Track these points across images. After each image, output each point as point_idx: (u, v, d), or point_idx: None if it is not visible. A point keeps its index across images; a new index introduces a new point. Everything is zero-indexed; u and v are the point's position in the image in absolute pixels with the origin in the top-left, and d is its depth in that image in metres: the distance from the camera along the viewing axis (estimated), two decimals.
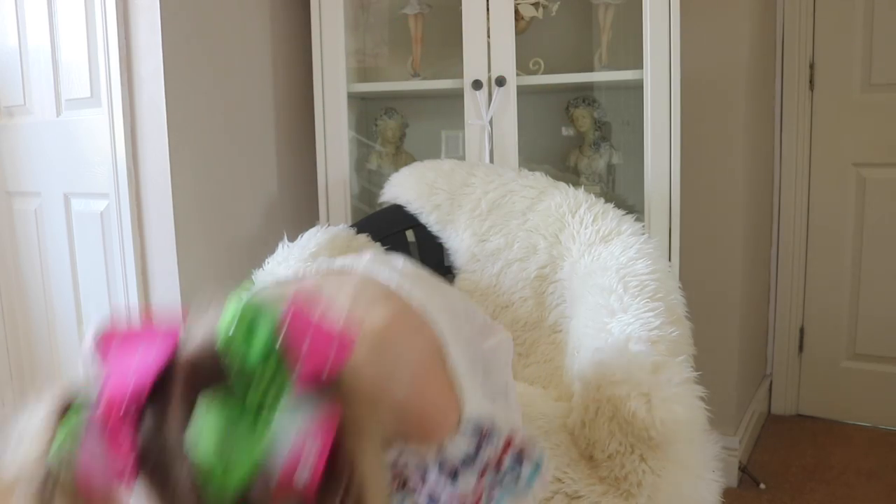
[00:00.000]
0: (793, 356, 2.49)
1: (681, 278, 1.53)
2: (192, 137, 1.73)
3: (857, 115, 2.31)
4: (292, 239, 1.48)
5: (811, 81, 2.34)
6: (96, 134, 1.82)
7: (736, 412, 2.06)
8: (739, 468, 2.04)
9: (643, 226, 1.42)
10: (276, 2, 1.95)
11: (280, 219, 1.95)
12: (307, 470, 0.54)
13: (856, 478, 2.05)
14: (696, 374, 1.03)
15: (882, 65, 2.25)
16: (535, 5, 1.79)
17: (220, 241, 1.82)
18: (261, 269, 1.41)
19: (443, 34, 1.93)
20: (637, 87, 1.62)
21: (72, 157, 1.93)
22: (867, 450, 2.22)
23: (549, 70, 1.83)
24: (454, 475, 0.79)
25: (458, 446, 0.79)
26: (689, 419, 0.97)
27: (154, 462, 0.56)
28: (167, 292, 1.75)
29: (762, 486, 2.00)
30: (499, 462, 0.80)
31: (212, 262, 1.79)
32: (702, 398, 1.01)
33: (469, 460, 0.79)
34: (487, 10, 1.70)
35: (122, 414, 0.56)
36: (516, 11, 1.73)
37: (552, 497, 1.01)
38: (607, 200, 1.47)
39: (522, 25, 1.81)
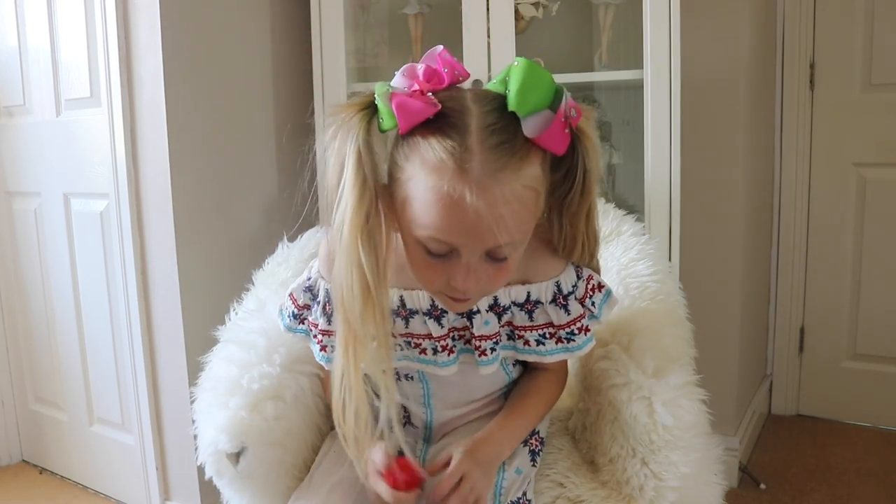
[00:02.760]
0: (793, 356, 2.49)
1: (681, 279, 1.53)
2: (192, 137, 1.73)
3: (857, 115, 2.30)
4: (292, 239, 1.47)
5: (811, 81, 2.34)
6: (96, 134, 1.82)
7: (736, 412, 2.06)
8: (740, 468, 2.04)
9: (643, 226, 1.42)
10: (275, 2, 1.94)
11: (280, 219, 1.95)
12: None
13: (856, 478, 2.05)
14: (697, 376, 1.03)
15: (882, 65, 2.24)
16: (535, 5, 1.79)
17: (220, 241, 1.82)
18: (261, 269, 1.41)
19: (443, 34, 1.92)
20: (637, 87, 1.62)
21: (72, 157, 1.93)
22: (867, 450, 2.22)
23: (549, 70, 1.80)
24: (566, 306, 0.94)
25: (568, 279, 0.95)
26: (690, 423, 0.97)
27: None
28: (167, 292, 1.75)
29: (762, 486, 2.00)
30: (585, 293, 0.97)
31: (212, 262, 1.79)
32: (703, 401, 1.00)
33: (572, 291, 0.96)
34: (487, 10, 1.69)
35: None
36: (516, 11, 1.73)
37: (554, 502, 1.00)
38: (607, 200, 1.46)
39: (522, 25, 1.80)
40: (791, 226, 2.43)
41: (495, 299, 0.95)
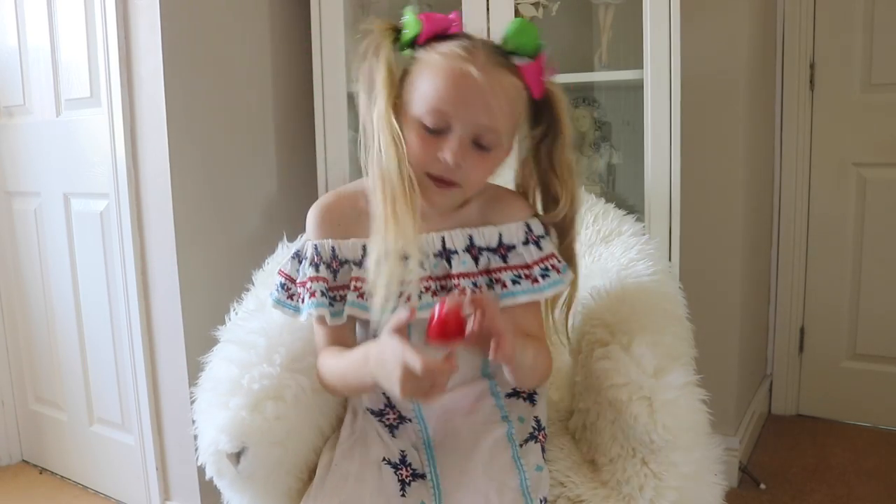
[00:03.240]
0: (793, 356, 2.49)
1: (681, 279, 1.53)
2: (192, 137, 1.73)
3: (857, 115, 2.30)
4: (292, 239, 1.47)
5: (811, 81, 2.34)
6: (96, 134, 1.82)
7: (736, 412, 2.06)
8: (740, 468, 2.04)
9: (643, 226, 1.42)
10: (275, 2, 1.94)
11: (280, 219, 1.95)
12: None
13: (856, 478, 2.05)
14: (697, 376, 1.03)
15: (882, 65, 2.25)
16: (535, 5, 1.79)
17: (220, 241, 1.82)
18: (261, 269, 1.40)
19: None
20: (637, 87, 1.62)
21: (72, 157, 1.93)
22: (867, 450, 2.22)
23: None
24: (538, 243, 1.03)
25: (538, 226, 1.04)
26: (691, 423, 0.97)
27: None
28: (167, 292, 1.75)
29: (762, 486, 2.00)
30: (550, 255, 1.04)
31: (212, 262, 1.79)
32: (703, 401, 1.00)
33: (545, 235, 1.04)
34: (487, 10, 1.69)
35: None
36: (516, 11, 1.73)
37: (555, 501, 1.01)
38: (607, 200, 1.46)
39: None
40: (791, 226, 2.43)
41: (471, 239, 1.03)
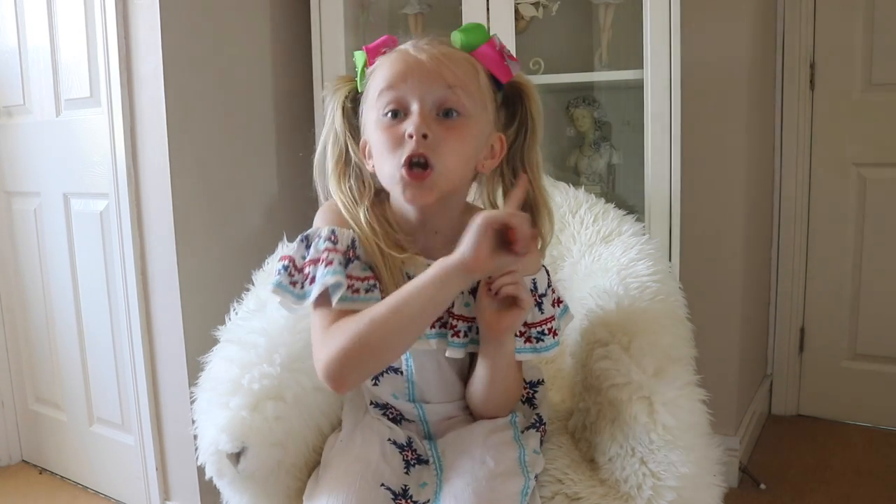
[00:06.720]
0: (793, 356, 2.49)
1: (681, 279, 1.53)
2: (192, 137, 1.73)
3: (857, 115, 2.30)
4: (292, 239, 1.47)
5: (811, 81, 2.34)
6: (96, 134, 1.82)
7: (736, 412, 2.06)
8: (740, 468, 2.04)
9: (644, 226, 1.42)
10: (275, 2, 1.94)
11: (280, 219, 1.95)
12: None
13: (856, 478, 2.05)
14: (697, 376, 1.03)
15: (882, 65, 2.24)
16: (535, 5, 1.79)
17: (220, 241, 1.82)
18: (261, 269, 1.40)
19: (442, 34, 1.92)
20: (637, 87, 1.62)
21: (71, 157, 1.93)
22: (867, 450, 2.22)
23: (550, 70, 1.83)
24: (540, 305, 1.01)
25: (543, 281, 1.02)
26: (690, 423, 0.97)
27: None
28: (167, 292, 1.75)
29: (762, 486, 2.00)
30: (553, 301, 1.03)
31: (212, 262, 1.79)
32: (703, 401, 1.00)
33: (545, 294, 1.02)
34: (487, 9, 1.69)
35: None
36: (516, 11, 1.73)
37: (553, 497, 1.01)
38: (607, 200, 1.46)
39: (522, 25, 1.81)
40: (791, 226, 2.43)
41: (477, 282, 0.98)
